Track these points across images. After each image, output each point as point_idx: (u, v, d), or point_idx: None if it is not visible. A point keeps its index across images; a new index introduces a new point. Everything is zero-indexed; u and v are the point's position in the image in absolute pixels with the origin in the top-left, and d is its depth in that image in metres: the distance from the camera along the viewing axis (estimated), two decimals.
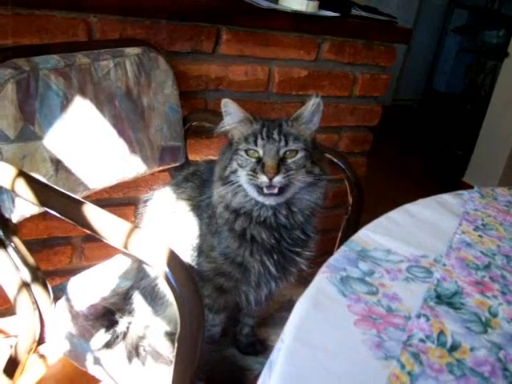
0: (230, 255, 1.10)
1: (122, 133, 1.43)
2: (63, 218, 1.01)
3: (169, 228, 1.17)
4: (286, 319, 0.71)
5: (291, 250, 1.11)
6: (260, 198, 1.04)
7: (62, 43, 1.41)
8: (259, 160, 1.04)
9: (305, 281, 1.48)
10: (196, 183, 1.20)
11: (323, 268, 0.76)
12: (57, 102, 1.27)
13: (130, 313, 1.23)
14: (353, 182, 1.45)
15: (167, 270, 0.88)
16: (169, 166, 1.62)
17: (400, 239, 0.90)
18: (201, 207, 1.15)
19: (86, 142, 1.34)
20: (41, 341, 1.24)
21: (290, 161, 1.04)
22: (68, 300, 1.29)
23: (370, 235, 0.89)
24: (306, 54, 1.92)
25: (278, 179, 1.01)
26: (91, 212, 0.97)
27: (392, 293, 0.74)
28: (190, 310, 0.88)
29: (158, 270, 0.89)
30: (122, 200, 1.79)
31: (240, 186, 1.06)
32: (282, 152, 1.04)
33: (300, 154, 1.05)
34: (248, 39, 1.78)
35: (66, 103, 1.28)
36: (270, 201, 1.04)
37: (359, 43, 2.02)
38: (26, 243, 1.20)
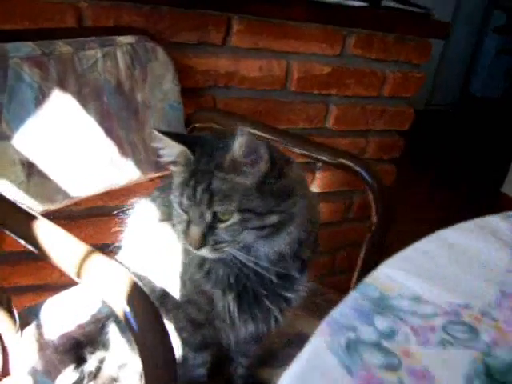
0: (196, 283, 0.92)
1: (110, 132, 1.24)
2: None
3: (150, 245, 0.97)
4: (293, 357, 0.51)
5: (265, 291, 0.90)
6: (195, 251, 0.84)
7: (39, 29, 1.23)
8: (188, 223, 0.83)
9: (317, 309, 1.28)
10: None
11: (322, 325, 0.54)
12: (30, 97, 1.09)
13: (105, 346, 1.03)
14: (377, 194, 1.22)
15: (127, 309, 0.68)
16: (167, 172, 1.43)
17: (433, 280, 0.67)
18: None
19: (67, 142, 1.16)
20: (4, 373, 1.06)
21: (222, 226, 0.80)
22: (38, 327, 1.10)
23: (393, 274, 0.66)
24: (329, 47, 1.71)
25: (203, 253, 0.82)
26: (40, 229, 0.78)
27: (421, 366, 0.52)
28: (156, 362, 0.68)
29: (115, 308, 0.69)
30: (118, 208, 1.59)
31: None
32: (208, 216, 0.80)
33: (235, 218, 0.80)
34: (263, 30, 1.57)
35: (41, 98, 1.10)
36: (207, 255, 0.83)
37: (390, 37, 1.79)
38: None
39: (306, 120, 1.79)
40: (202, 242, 0.80)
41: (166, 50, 1.35)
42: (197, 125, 1.47)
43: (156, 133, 0.85)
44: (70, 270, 0.75)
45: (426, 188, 3.67)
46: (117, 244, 1.08)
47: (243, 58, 1.58)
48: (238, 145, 0.75)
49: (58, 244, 0.78)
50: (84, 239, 1.43)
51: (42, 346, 1.05)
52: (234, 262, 0.85)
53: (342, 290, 0.94)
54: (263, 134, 1.33)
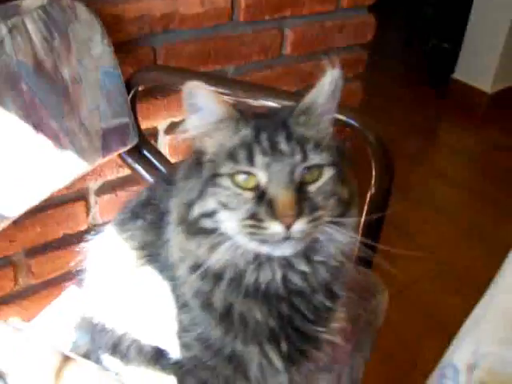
0: (211, 344, 0.70)
1: (40, 126, 1.00)
2: None
3: (117, 294, 0.76)
4: None
5: (309, 326, 0.71)
6: (265, 249, 0.62)
7: None
8: (261, 194, 0.61)
9: None
10: (149, 220, 0.77)
11: None
12: None
13: None
14: (376, 148, 1.03)
15: None
16: (117, 153, 1.19)
17: None
18: (159, 260, 0.73)
19: None
20: None
21: (313, 189, 0.63)
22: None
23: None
24: None
25: (300, 226, 0.60)
26: None
27: None
28: None
29: None
30: (67, 197, 1.35)
31: (222, 234, 0.64)
32: (298, 174, 0.62)
33: (327, 174, 0.63)
34: None
35: None
36: (284, 250, 0.62)
37: None
38: None
39: (260, 52, 1.54)
40: (299, 209, 0.60)
41: (86, 5, 1.07)
42: (140, 88, 1.22)
43: (195, 84, 0.63)
44: None
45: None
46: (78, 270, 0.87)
47: None
48: (329, 79, 0.64)
49: None
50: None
51: None
52: (288, 282, 0.66)
53: None
54: (220, 90, 1.09)
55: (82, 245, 0.87)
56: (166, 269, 0.71)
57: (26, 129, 0.97)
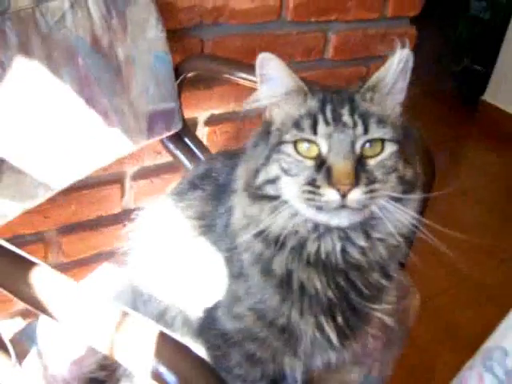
0: (265, 314, 0.71)
1: (91, 102, 1.01)
2: None
3: (167, 264, 0.77)
4: None
5: (363, 303, 0.71)
6: (322, 217, 0.64)
7: None
8: (321, 162, 0.63)
9: None
10: (208, 191, 0.79)
11: None
12: None
13: (128, 380, 0.84)
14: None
15: None
16: (161, 137, 1.20)
17: None
18: (215, 231, 0.75)
19: (40, 124, 0.93)
20: None
21: (373, 162, 0.64)
22: (39, 355, 0.91)
23: None
24: None
25: (355, 196, 0.61)
26: (45, 284, 0.57)
27: None
28: None
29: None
30: (104, 178, 1.36)
31: (284, 202, 0.65)
32: (359, 146, 0.63)
33: (389, 149, 0.65)
34: None
35: (0, 72, 0.85)
36: (340, 220, 0.63)
37: None
38: None
39: (303, 53, 1.55)
40: (356, 179, 0.61)
41: None
42: (189, 75, 1.23)
43: (268, 56, 0.66)
44: (96, 343, 0.54)
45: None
46: (123, 249, 0.88)
47: None
48: (398, 58, 0.65)
49: (70, 305, 0.57)
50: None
51: (50, 382, 0.86)
52: (347, 253, 0.67)
53: None
54: None
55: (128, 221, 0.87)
56: (222, 239, 0.72)
57: (79, 102, 0.98)
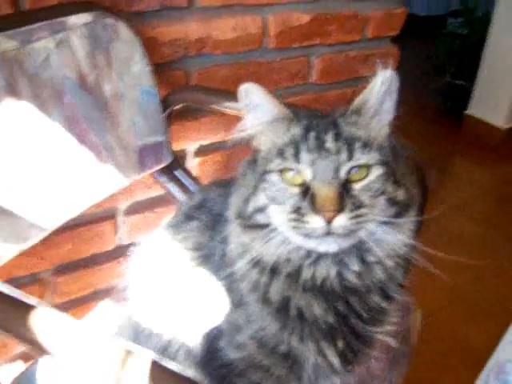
0: (266, 341, 0.70)
1: (81, 139, 1.01)
2: None
3: (167, 298, 0.76)
4: None
5: (364, 326, 0.70)
6: (310, 244, 0.64)
7: None
8: (306, 189, 0.63)
9: None
10: (204, 221, 0.79)
11: None
12: None
13: None
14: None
15: None
16: (151, 170, 1.20)
17: None
18: (213, 261, 0.75)
19: (31, 164, 0.92)
20: None
21: (358, 187, 0.64)
22: None
23: None
24: None
25: (340, 222, 0.61)
26: (46, 324, 0.56)
27: None
28: None
29: None
30: (97, 215, 1.36)
31: (275, 229, 0.65)
32: (344, 172, 0.63)
33: (375, 173, 0.64)
34: None
35: None
36: (328, 246, 0.63)
37: None
38: None
39: (287, 79, 1.57)
40: (340, 205, 0.60)
41: (128, 25, 1.09)
42: (176, 107, 1.23)
43: (251, 85, 0.66)
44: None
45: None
46: (121, 285, 0.87)
47: (214, 19, 1.34)
48: (381, 79, 0.64)
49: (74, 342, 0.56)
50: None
51: None
52: (343, 278, 0.67)
53: None
54: None
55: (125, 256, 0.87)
56: (220, 268, 0.72)
57: (69, 141, 0.98)
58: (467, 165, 3.20)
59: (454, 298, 2.07)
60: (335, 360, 0.70)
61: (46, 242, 1.18)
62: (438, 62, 3.71)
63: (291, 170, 0.64)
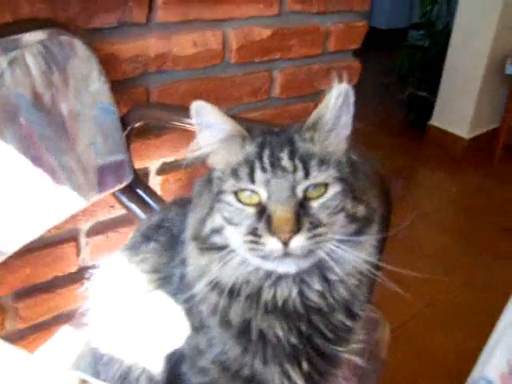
0: (228, 365, 0.68)
1: (37, 160, 0.98)
2: None
3: (126, 323, 0.74)
4: None
5: (329, 346, 0.69)
6: (269, 265, 0.62)
7: None
8: (262, 210, 0.61)
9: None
10: (162, 242, 0.76)
11: None
12: None
13: None
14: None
15: None
16: (112, 190, 1.17)
17: None
18: (173, 283, 0.72)
19: None
20: None
21: (316, 204, 0.62)
22: None
23: None
24: (266, 7, 1.47)
25: (297, 243, 0.59)
26: None
27: None
28: None
29: None
30: (57, 237, 1.32)
31: (232, 251, 0.63)
32: (300, 190, 0.61)
33: (333, 190, 0.63)
34: None
35: None
36: (288, 267, 0.62)
37: None
38: None
39: (250, 94, 1.56)
40: (297, 225, 0.58)
41: (84, 42, 1.07)
42: (136, 125, 1.21)
43: (201, 104, 0.64)
44: None
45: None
46: (81, 310, 0.84)
47: (174, 35, 1.32)
48: (336, 93, 0.62)
49: None
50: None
51: None
52: (305, 298, 0.65)
53: None
54: None
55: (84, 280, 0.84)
56: (180, 291, 0.70)
57: (24, 163, 0.95)
58: (433, 174, 3.24)
59: (422, 307, 2.08)
60: (300, 382, 0.68)
61: (4, 265, 1.15)
62: (401, 74, 3.76)
63: (246, 190, 0.62)
